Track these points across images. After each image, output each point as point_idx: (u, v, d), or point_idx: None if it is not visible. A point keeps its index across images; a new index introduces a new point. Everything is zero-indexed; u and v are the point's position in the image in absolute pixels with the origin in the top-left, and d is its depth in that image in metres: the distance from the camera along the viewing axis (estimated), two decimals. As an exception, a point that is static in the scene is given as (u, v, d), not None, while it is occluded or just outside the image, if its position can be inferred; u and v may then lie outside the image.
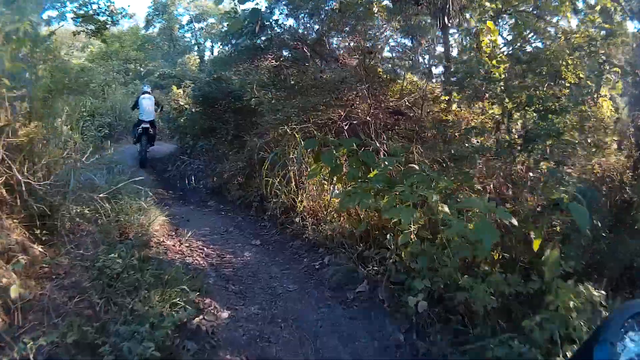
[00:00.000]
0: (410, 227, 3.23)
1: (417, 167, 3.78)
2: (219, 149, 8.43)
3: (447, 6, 6.10)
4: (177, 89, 12.69)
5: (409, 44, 8.28)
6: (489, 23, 4.20)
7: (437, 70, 8.37)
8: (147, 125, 9.15)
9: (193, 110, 10.06)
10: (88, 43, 21.69)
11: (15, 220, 2.98)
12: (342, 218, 4.57)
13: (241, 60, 8.41)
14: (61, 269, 3.03)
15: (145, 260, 3.50)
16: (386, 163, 3.92)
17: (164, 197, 7.40)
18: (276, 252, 4.84)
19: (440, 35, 7.36)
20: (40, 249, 3.02)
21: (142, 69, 20.42)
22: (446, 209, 3.07)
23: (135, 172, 6.22)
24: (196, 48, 23.85)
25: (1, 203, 3.00)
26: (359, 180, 3.83)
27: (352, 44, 7.58)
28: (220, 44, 11.89)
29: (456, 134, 5.14)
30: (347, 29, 7.39)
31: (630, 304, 2.05)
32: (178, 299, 2.93)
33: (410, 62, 8.37)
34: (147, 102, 9.53)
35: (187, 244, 4.72)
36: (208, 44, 23.43)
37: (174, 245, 4.60)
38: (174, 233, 5.09)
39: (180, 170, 9.12)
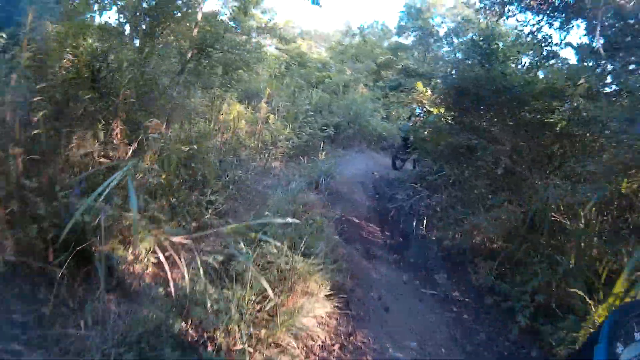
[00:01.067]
0: None
1: None
2: (472, 184, 5.67)
3: None
4: (424, 87, 10.36)
5: None
6: None
7: None
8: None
9: (440, 117, 7.44)
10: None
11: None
12: None
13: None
14: None
15: None
16: None
17: (373, 241, 5.21)
18: None
19: None
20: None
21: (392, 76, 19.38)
22: None
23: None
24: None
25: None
26: None
27: None
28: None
29: None
30: None
31: (630, 304, 2.08)
32: None
33: None
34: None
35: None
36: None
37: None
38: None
39: (410, 205, 6.82)
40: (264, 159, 8.50)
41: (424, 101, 9.72)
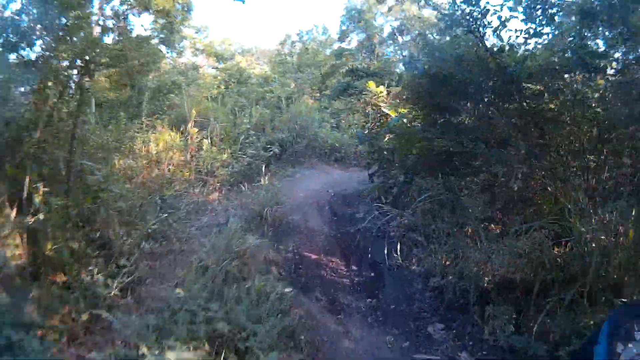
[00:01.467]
0: None
1: None
2: (462, 200, 4.60)
3: None
4: (377, 87, 9.39)
5: None
6: None
7: None
8: None
9: (406, 118, 6.30)
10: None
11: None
12: None
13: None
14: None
15: None
16: None
17: (337, 283, 4.12)
18: None
19: None
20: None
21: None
22: None
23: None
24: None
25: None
26: None
27: None
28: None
29: None
30: None
31: (629, 304, 2.04)
32: None
33: None
34: None
35: None
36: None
37: None
38: None
39: (376, 227, 5.75)
40: (199, 192, 7.17)
41: (380, 104, 8.73)
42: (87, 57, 4.27)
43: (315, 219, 6.51)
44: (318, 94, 16.45)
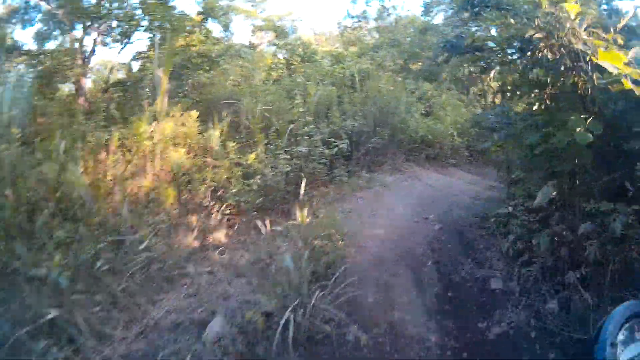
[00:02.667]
0: None
1: None
2: None
3: None
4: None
5: None
6: None
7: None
8: None
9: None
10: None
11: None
12: None
13: None
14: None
15: None
16: None
17: None
18: None
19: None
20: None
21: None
22: None
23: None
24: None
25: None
26: None
27: None
28: None
29: None
30: None
31: (630, 304, 1.85)
32: None
33: None
34: None
35: None
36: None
37: None
38: None
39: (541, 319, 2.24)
40: (190, 233, 4.23)
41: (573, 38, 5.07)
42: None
43: (405, 303, 3.12)
44: (402, 73, 12.87)
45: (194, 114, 6.15)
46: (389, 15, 16.78)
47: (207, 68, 9.50)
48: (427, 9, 18.04)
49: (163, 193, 4.93)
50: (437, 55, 8.45)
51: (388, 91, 7.75)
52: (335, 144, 6.19)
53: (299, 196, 4.45)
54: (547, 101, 3.29)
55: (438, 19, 18.01)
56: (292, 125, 6.24)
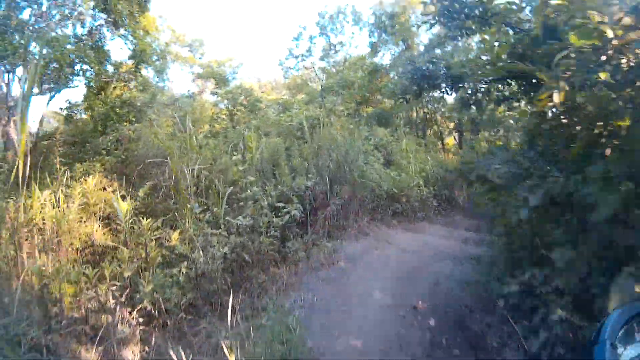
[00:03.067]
0: None
1: None
2: None
3: None
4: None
5: None
6: None
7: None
8: None
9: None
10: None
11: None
12: None
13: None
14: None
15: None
16: None
17: None
18: None
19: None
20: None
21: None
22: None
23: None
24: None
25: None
26: None
27: None
28: None
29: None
30: None
31: (630, 305, 1.85)
32: None
33: None
34: None
35: None
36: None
37: None
38: None
39: None
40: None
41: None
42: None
43: None
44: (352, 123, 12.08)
45: (100, 178, 4.74)
46: (336, 52, 15.99)
47: (133, 119, 8.13)
48: (374, 48, 17.68)
49: (55, 288, 3.47)
50: (404, 90, 7.51)
51: (343, 139, 6.73)
52: (285, 209, 4.95)
53: (241, 287, 3.12)
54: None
55: (385, 58, 17.80)
56: (230, 189, 4.95)
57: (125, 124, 8.03)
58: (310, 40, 16.13)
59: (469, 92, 3.47)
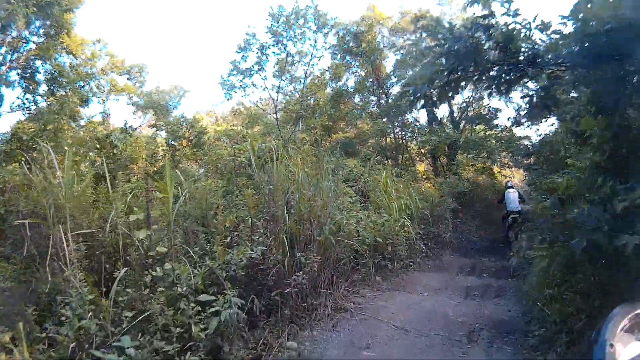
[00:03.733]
0: None
1: None
2: None
3: None
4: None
5: None
6: None
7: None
8: (516, 215, 8.36)
9: None
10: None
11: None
12: None
13: None
14: None
15: None
16: None
17: None
18: None
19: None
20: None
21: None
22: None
23: None
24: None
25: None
26: None
27: None
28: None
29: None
30: None
31: (630, 305, 1.85)
32: None
33: None
34: (514, 196, 8.80)
35: None
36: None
37: None
38: None
39: None
40: None
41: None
42: None
43: None
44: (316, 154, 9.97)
45: None
46: (294, 64, 13.49)
47: (22, 159, 6.09)
48: (337, 72, 15.77)
49: None
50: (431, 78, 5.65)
51: (306, 177, 4.89)
52: (214, 306, 2.98)
53: None
54: None
55: (350, 81, 16.02)
56: (125, 269, 2.97)
57: (15, 165, 6.02)
58: (261, 50, 12.30)
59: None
